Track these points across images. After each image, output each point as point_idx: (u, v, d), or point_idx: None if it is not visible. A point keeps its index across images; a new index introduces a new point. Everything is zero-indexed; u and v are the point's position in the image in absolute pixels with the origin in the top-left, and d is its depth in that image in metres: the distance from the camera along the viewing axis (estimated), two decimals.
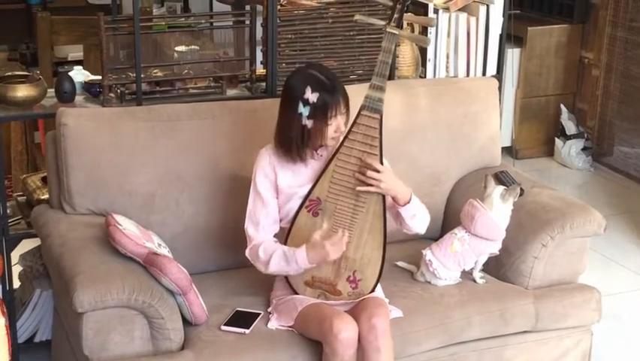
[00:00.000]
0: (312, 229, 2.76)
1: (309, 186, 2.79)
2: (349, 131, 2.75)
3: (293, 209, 2.80)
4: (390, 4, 2.82)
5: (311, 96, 2.68)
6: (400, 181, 2.79)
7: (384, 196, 2.78)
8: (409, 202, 2.80)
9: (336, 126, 2.73)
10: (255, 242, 2.81)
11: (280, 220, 2.85)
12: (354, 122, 2.75)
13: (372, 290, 2.84)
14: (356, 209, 2.77)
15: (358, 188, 2.74)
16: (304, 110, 2.70)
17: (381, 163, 2.76)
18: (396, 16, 2.79)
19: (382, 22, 2.84)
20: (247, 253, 2.83)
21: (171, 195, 3.05)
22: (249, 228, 2.82)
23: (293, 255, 2.73)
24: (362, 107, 2.75)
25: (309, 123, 2.70)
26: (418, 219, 2.85)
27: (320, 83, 2.70)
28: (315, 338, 2.73)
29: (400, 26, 2.80)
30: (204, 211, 3.09)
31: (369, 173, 2.73)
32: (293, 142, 2.74)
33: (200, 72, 3.42)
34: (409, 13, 3.36)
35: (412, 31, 3.60)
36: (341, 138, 2.78)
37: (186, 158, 3.07)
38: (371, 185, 2.73)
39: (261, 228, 2.81)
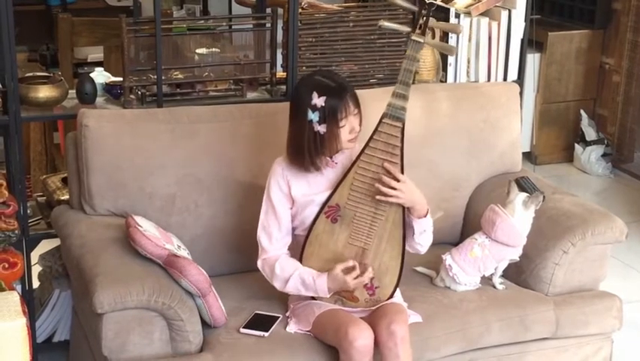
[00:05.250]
0: (330, 236, 2.76)
1: (326, 193, 2.77)
2: (370, 138, 2.73)
3: (309, 217, 2.78)
4: (416, 9, 2.80)
5: (318, 101, 2.66)
6: (420, 193, 2.76)
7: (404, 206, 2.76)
8: (424, 216, 2.78)
9: (350, 127, 2.72)
10: (269, 255, 2.80)
11: (296, 228, 2.84)
12: (376, 129, 2.73)
13: (390, 298, 2.82)
14: (375, 217, 2.75)
15: (378, 197, 2.72)
16: (314, 116, 2.68)
17: (402, 172, 2.73)
18: (421, 23, 2.76)
19: (407, 29, 2.82)
20: (259, 264, 2.82)
21: (191, 198, 3.05)
22: (262, 238, 2.81)
23: (313, 283, 2.73)
24: (384, 115, 2.73)
25: (321, 129, 2.69)
26: (426, 236, 2.82)
27: (326, 87, 2.68)
28: (331, 344, 2.72)
29: (424, 33, 2.77)
30: (223, 214, 3.09)
31: (389, 182, 2.70)
32: (305, 150, 2.72)
33: (221, 75, 3.43)
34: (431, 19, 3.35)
35: (434, 36, 3.59)
36: (358, 146, 2.76)
37: (206, 160, 3.07)
38: (390, 195, 2.71)
39: (274, 240, 2.80)
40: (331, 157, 2.79)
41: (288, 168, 2.80)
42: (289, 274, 2.75)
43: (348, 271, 2.71)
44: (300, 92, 2.72)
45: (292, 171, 2.79)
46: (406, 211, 2.77)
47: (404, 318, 2.73)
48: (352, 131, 2.72)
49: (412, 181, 2.75)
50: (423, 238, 2.81)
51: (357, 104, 2.73)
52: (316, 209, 2.77)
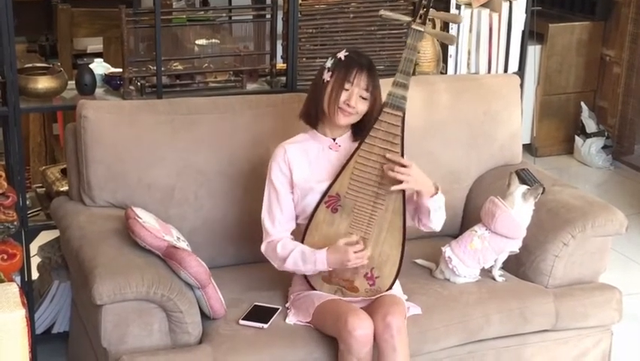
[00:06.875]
0: (330, 226, 2.75)
1: (327, 183, 2.77)
2: (371, 128, 2.73)
3: (310, 205, 2.78)
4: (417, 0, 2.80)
5: (341, 54, 2.75)
6: (424, 174, 2.77)
7: (404, 193, 2.76)
8: (435, 194, 2.78)
9: (348, 95, 2.72)
10: (272, 238, 2.80)
11: (297, 217, 2.84)
12: (376, 118, 2.73)
13: (390, 288, 2.83)
14: (375, 206, 2.75)
15: (392, 188, 2.71)
16: (329, 63, 2.75)
17: None
18: (421, 12, 2.77)
19: (408, 19, 2.83)
20: (263, 248, 2.82)
21: (190, 189, 3.05)
22: (266, 221, 2.81)
23: (313, 255, 2.72)
24: (384, 104, 2.73)
25: (327, 77, 2.74)
26: (440, 213, 2.82)
27: (355, 53, 2.77)
28: (331, 334, 2.72)
29: (425, 23, 2.77)
30: (223, 205, 3.08)
31: (398, 169, 2.70)
32: (310, 97, 2.80)
33: (221, 66, 3.43)
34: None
35: (434, 27, 3.58)
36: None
37: (205, 152, 3.06)
38: (401, 181, 2.70)
39: (277, 223, 2.80)
40: (327, 113, 2.76)
41: (289, 152, 2.80)
42: (290, 250, 2.75)
43: (350, 245, 2.71)
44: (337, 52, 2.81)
45: (294, 154, 2.80)
46: (408, 196, 2.77)
47: (401, 310, 2.72)
48: (348, 100, 2.72)
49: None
50: (438, 216, 2.82)
51: (372, 88, 2.73)
52: (317, 197, 2.77)
